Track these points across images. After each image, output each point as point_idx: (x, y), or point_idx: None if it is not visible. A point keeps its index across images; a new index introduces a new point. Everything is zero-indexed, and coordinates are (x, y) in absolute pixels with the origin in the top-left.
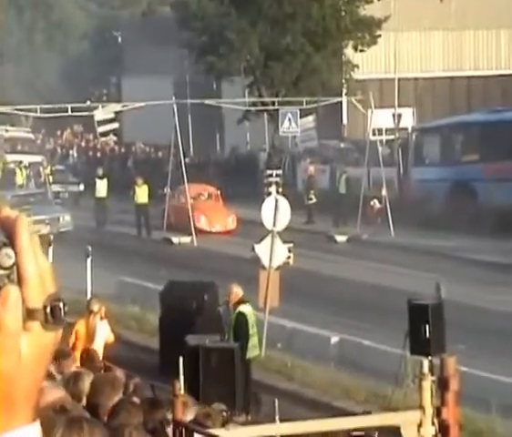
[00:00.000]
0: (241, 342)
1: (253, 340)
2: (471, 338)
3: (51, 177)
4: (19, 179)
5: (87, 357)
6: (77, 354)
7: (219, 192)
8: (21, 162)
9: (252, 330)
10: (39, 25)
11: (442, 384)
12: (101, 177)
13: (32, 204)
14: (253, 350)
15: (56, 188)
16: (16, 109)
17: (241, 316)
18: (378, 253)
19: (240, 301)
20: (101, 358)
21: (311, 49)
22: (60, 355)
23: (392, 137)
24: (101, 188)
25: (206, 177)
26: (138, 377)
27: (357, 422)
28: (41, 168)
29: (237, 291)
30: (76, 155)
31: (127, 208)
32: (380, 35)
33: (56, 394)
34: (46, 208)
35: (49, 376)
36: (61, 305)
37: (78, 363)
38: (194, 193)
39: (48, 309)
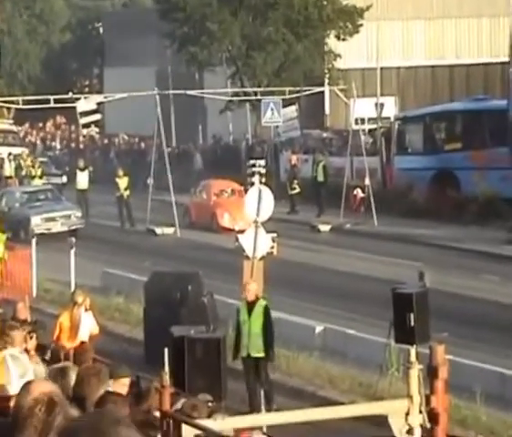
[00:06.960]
0: (272, 336)
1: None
2: (455, 326)
3: (33, 170)
4: (7, 172)
5: (83, 350)
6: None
7: (242, 188)
8: (10, 154)
9: None
10: (21, 16)
11: (431, 372)
12: (82, 170)
13: (42, 201)
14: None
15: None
16: None
17: (268, 310)
18: (361, 242)
19: (260, 297)
20: None
21: (292, 39)
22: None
23: (374, 126)
24: (82, 180)
25: (189, 167)
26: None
27: (344, 412)
28: (21, 161)
29: (252, 288)
30: (58, 146)
31: (110, 200)
32: (362, 25)
33: (44, 388)
34: (57, 206)
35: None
36: None
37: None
38: (217, 189)
39: None
